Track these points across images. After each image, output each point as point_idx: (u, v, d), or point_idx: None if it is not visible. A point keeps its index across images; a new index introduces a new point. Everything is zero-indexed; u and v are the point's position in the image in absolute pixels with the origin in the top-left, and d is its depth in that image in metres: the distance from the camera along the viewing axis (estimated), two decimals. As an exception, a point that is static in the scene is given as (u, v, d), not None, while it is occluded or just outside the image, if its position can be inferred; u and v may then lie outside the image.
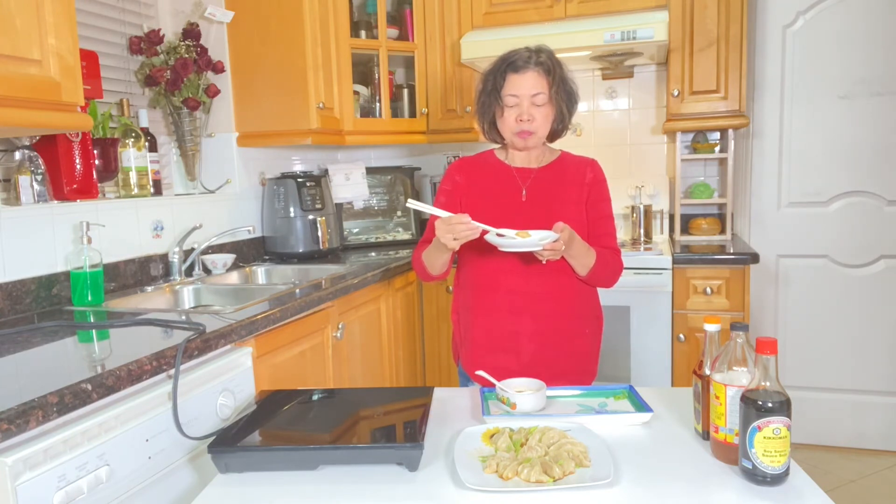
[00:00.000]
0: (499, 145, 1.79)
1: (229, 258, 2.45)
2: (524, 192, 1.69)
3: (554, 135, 1.72)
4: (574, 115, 1.72)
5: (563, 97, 1.66)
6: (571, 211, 1.67)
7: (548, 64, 1.64)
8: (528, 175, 1.71)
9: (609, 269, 1.68)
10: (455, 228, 1.45)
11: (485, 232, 1.49)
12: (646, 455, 1.10)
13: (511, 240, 1.47)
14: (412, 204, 1.53)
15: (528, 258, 1.62)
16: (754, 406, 0.96)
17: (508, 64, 1.65)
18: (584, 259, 1.63)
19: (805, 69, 2.95)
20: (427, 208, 1.52)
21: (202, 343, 1.44)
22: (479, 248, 1.68)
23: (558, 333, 1.67)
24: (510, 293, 1.66)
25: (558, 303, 1.67)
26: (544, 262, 1.57)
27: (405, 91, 3.23)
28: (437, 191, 1.79)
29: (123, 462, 1.20)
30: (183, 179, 2.57)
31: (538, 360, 1.65)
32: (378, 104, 3.03)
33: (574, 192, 1.70)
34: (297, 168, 3.14)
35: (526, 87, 1.62)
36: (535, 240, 1.46)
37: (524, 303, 1.65)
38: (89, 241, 1.89)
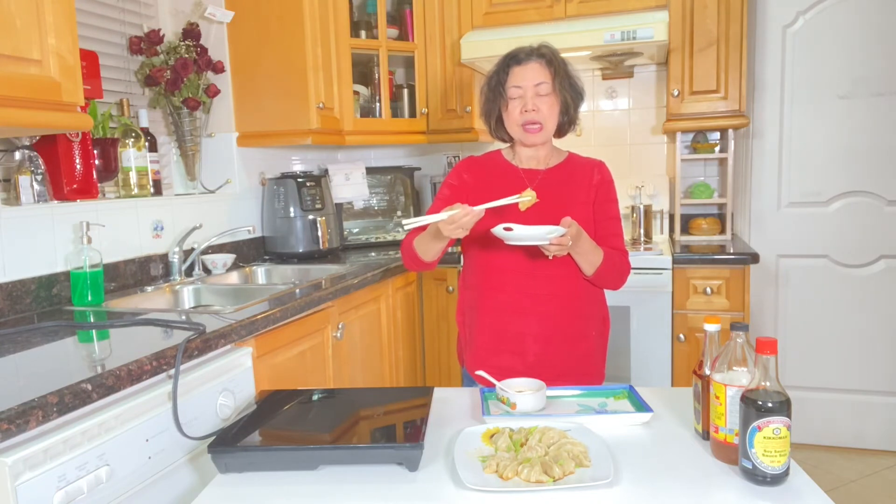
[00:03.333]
0: (506, 145, 1.79)
1: (229, 258, 2.45)
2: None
3: (560, 129, 1.72)
4: (580, 111, 1.72)
5: (567, 87, 1.66)
6: (579, 212, 1.66)
7: (549, 56, 1.66)
8: (535, 176, 1.71)
9: (616, 270, 1.68)
10: (461, 222, 1.44)
11: (488, 223, 1.49)
12: (646, 455, 1.10)
13: (517, 232, 1.46)
14: (408, 223, 1.49)
15: (535, 257, 1.62)
16: (754, 406, 0.96)
17: (511, 58, 1.68)
18: (591, 257, 1.62)
19: (805, 69, 2.95)
20: (423, 219, 1.50)
21: (202, 343, 1.44)
22: (485, 248, 1.68)
23: (564, 335, 1.67)
24: (517, 294, 1.66)
25: (565, 304, 1.67)
26: (550, 258, 1.57)
27: (405, 91, 3.23)
28: (441, 185, 1.79)
29: (123, 462, 1.20)
30: (183, 179, 2.57)
31: (543, 361, 1.65)
32: (378, 104, 3.03)
33: (582, 193, 1.70)
34: (297, 168, 3.14)
35: (529, 78, 1.63)
36: (542, 233, 1.46)
37: (531, 304, 1.65)
38: (89, 241, 1.89)
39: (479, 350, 1.71)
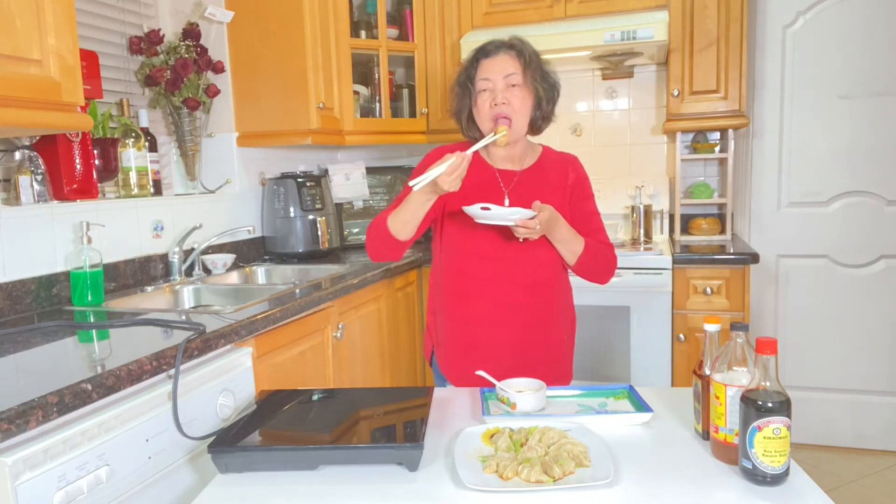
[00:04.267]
0: None
1: (229, 258, 2.45)
2: (507, 196, 1.65)
3: (534, 125, 1.65)
4: (556, 106, 1.66)
5: (539, 79, 1.60)
6: None
7: (519, 47, 1.61)
8: (510, 178, 1.67)
9: (601, 260, 1.65)
10: (461, 169, 1.40)
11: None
12: (646, 455, 1.10)
13: (487, 212, 1.44)
14: (414, 182, 1.42)
15: (515, 265, 1.61)
16: (754, 406, 0.96)
17: (479, 51, 1.63)
18: (570, 245, 1.60)
19: (805, 69, 2.95)
20: (428, 175, 1.41)
21: (202, 343, 1.44)
22: (460, 251, 1.66)
23: (537, 342, 1.66)
24: (490, 303, 1.64)
25: (538, 313, 1.65)
26: (521, 241, 1.55)
27: (405, 91, 3.23)
28: (411, 175, 1.59)
29: (123, 462, 1.20)
30: (183, 179, 2.57)
31: (516, 368, 1.59)
32: (378, 104, 3.03)
33: (558, 195, 1.66)
34: (298, 168, 3.14)
35: (497, 70, 1.58)
36: (506, 213, 1.45)
37: (504, 313, 1.63)
38: (89, 241, 1.89)
39: (453, 356, 1.69)
